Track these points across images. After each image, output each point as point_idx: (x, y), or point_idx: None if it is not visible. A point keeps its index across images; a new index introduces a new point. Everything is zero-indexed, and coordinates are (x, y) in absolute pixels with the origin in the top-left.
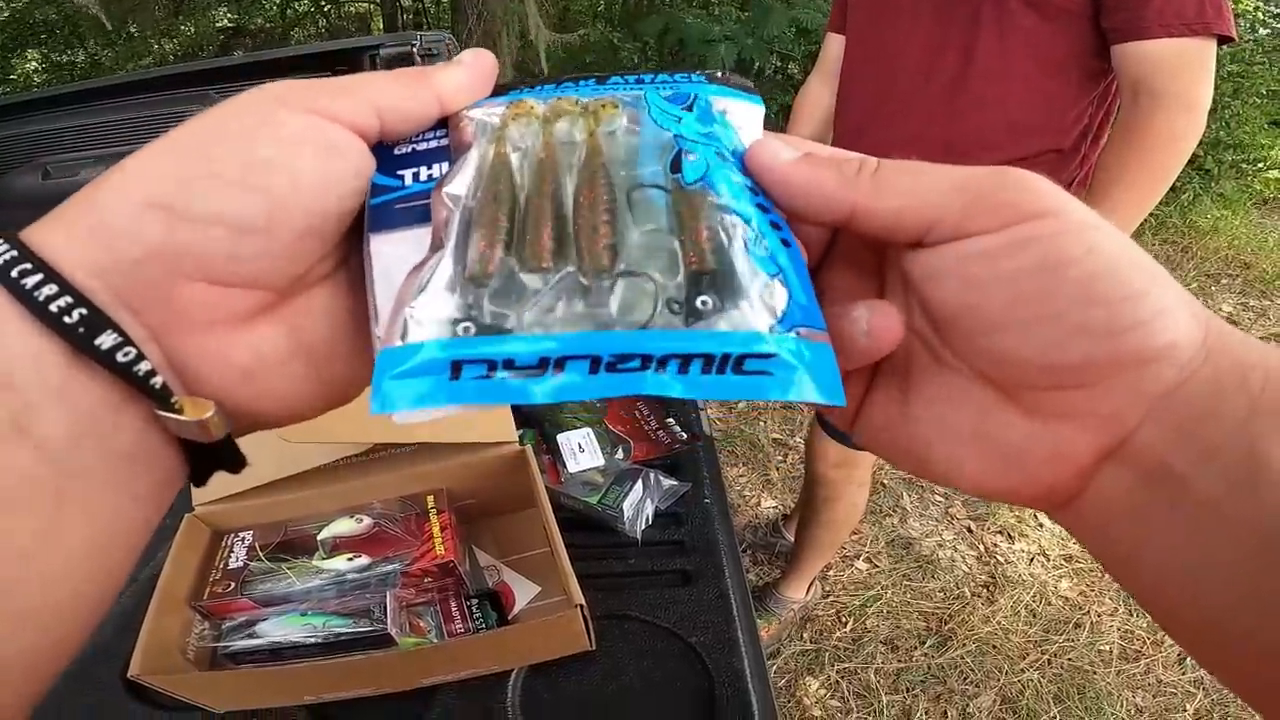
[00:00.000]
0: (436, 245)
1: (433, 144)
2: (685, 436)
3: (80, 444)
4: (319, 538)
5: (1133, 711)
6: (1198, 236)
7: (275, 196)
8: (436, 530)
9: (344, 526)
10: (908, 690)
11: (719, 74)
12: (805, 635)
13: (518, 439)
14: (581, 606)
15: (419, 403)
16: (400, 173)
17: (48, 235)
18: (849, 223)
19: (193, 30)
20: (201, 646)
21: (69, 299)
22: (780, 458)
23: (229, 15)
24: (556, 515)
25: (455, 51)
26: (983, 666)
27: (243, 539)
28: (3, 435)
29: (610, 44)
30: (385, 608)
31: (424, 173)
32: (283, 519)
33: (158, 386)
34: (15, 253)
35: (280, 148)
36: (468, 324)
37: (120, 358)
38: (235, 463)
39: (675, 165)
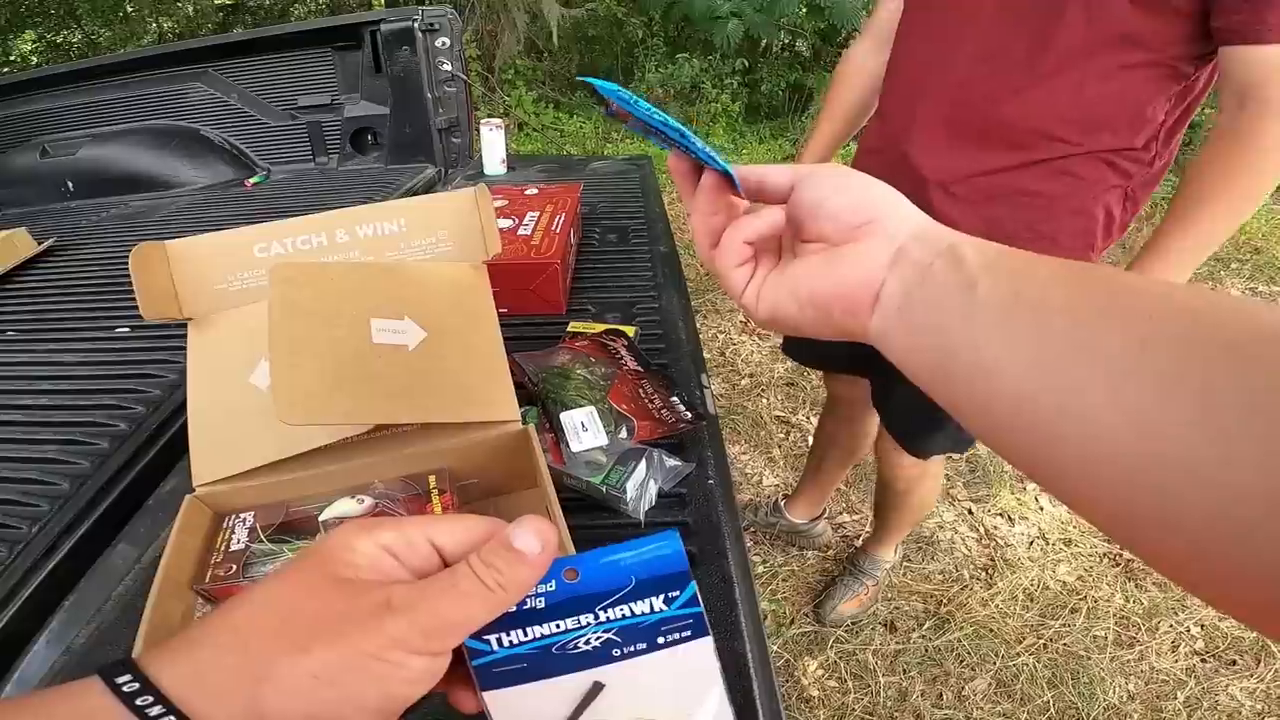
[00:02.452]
0: None
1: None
2: (690, 416)
3: None
4: (320, 519)
5: (1125, 698)
6: None
7: (395, 714)
8: (438, 510)
9: (345, 508)
10: (904, 672)
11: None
12: (808, 613)
13: (520, 418)
14: None
15: None
16: (486, 637)
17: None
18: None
19: (191, 9)
20: None
21: None
22: (783, 435)
23: None
24: (560, 495)
25: (458, 27)
26: (979, 649)
27: (244, 520)
28: None
29: (615, 19)
30: None
31: (505, 639)
32: (284, 500)
33: None
34: None
35: (405, 687)
36: None
37: None
38: None
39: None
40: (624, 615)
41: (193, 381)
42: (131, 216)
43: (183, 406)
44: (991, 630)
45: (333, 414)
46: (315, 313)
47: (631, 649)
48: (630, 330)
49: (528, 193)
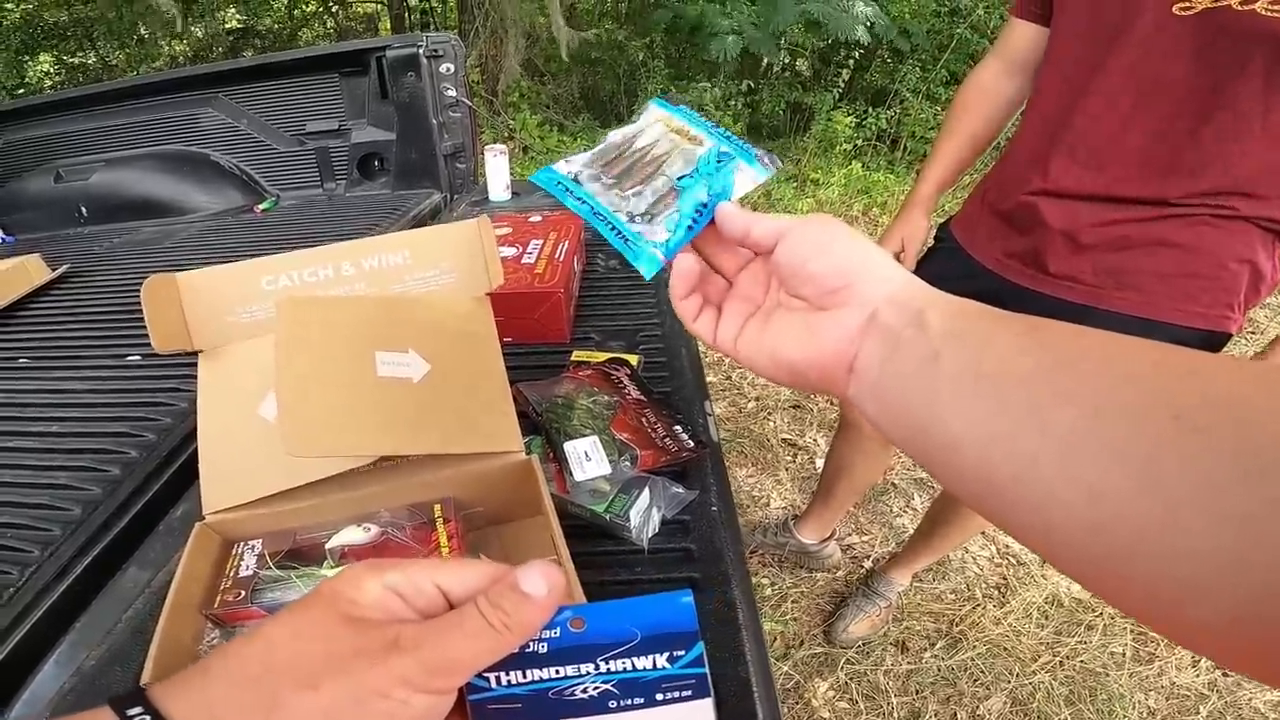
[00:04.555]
0: None
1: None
2: (692, 444)
3: None
4: (327, 546)
5: (1145, 714)
6: None
7: None
8: (443, 539)
9: (352, 535)
10: (917, 692)
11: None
12: (817, 634)
13: (524, 448)
14: None
15: None
16: (486, 675)
17: None
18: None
19: (202, 32)
20: None
21: None
22: (790, 458)
23: (238, 16)
24: (564, 523)
25: (460, 52)
26: (993, 668)
27: (252, 547)
28: None
29: (617, 43)
30: None
31: (504, 678)
32: (292, 527)
33: None
34: None
35: None
36: None
37: None
38: None
39: None
40: (625, 669)
41: (203, 412)
42: (144, 243)
43: (193, 434)
44: (1006, 649)
45: (339, 446)
46: (320, 346)
47: (628, 702)
48: (633, 359)
49: (531, 220)
